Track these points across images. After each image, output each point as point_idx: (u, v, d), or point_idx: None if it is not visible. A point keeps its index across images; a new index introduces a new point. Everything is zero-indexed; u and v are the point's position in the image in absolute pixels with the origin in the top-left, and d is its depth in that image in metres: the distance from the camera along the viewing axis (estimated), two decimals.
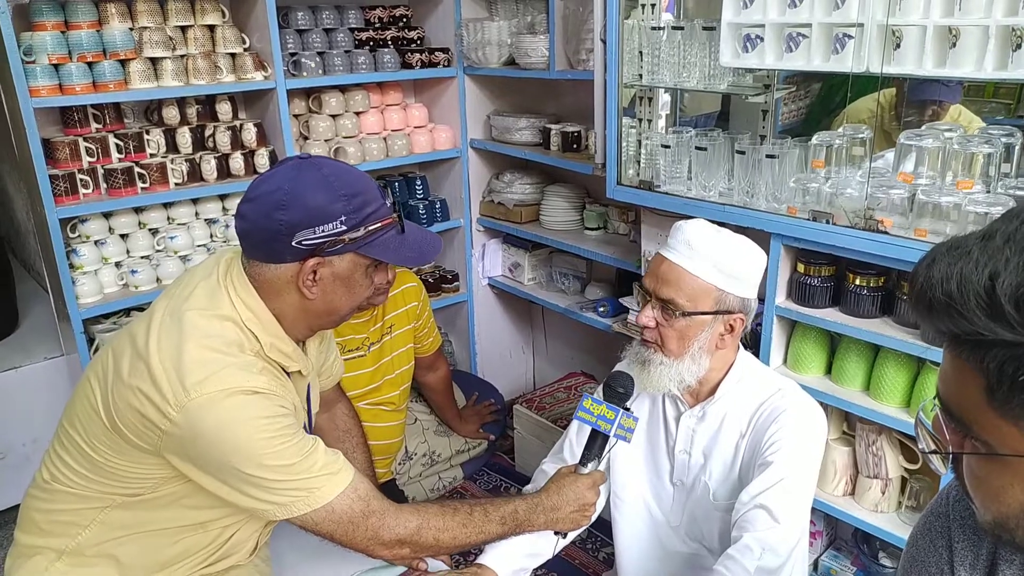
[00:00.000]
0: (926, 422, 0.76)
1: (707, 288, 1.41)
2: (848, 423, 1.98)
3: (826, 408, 1.90)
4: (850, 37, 1.62)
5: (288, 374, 1.37)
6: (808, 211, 1.79)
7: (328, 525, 1.29)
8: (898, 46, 1.57)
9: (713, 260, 1.41)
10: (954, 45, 1.50)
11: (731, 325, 1.45)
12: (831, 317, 1.83)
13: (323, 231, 1.23)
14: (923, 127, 1.72)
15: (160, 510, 1.34)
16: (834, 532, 2.19)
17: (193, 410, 1.19)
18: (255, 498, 1.25)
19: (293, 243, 1.23)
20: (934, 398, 0.74)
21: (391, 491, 2.32)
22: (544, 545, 1.53)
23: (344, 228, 1.24)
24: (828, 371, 1.94)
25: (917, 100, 1.91)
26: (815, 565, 2.12)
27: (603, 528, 1.69)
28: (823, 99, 2.18)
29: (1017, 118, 1.74)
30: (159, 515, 1.35)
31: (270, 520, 1.39)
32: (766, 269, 1.54)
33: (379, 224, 1.28)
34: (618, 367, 1.67)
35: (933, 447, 0.74)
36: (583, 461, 1.48)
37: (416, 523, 1.35)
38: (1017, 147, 1.61)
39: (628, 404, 1.44)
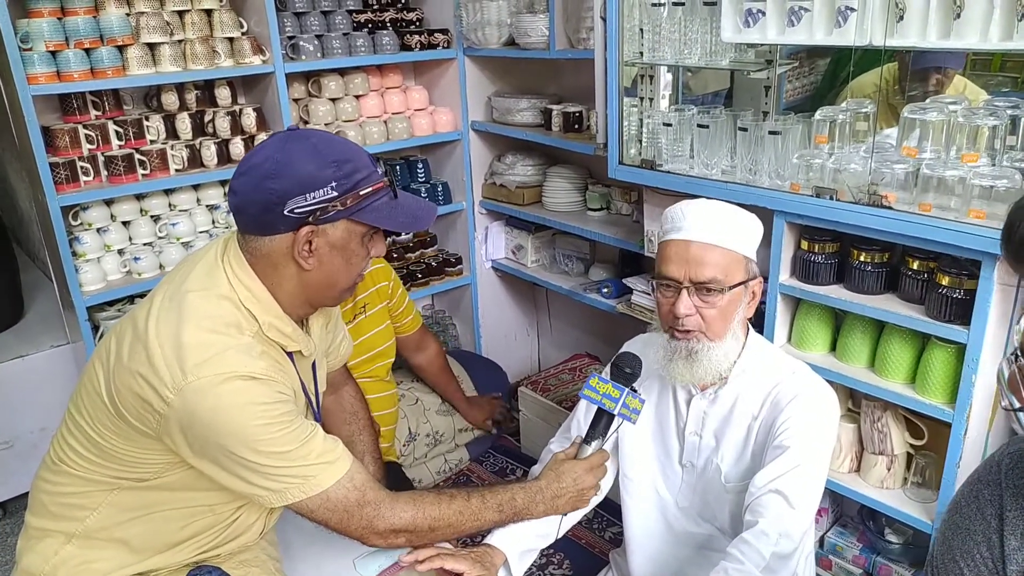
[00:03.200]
0: (1006, 378, 0.73)
1: (737, 258, 1.41)
2: (853, 400, 1.97)
3: (831, 385, 1.90)
4: (852, 10, 1.60)
5: (290, 355, 1.37)
6: (811, 187, 1.77)
7: (323, 513, 1.30)
8: (901, 18, 1.55)
9: (732, 229, 1.41)
10: (958, 16, 1.47)
11: (754, 292, 1.46)
12: (835, 294, 1.82)
13: (314, 198, 1.22)
14: (927, 100, 1.70)
15: (168, 493, 1.35)
16: (840, 509, 2.19)
17: (190, 394, 1.19)
18: (251, 483, 1.26)
19: (285, 212, 1.22)
20: (1012, 353, 0.71)
21: (396, 475, 2.33)
22: (551, 525, 1.53)
23: (335, 194, 1.23)
24: (833, 348, 1.93)
25: (920, 68, 1.88)
26: (821, 542, 2.13)
27: (609, 508, 1.70)
28: (830, 76, 2.16)
29: (1022, 91, 1.72)
30: (167, 497, 1.36)
31: (267, 506, 1.40)
32: (769, 245, 1.53)
33: (371, 189, 1.27)
34: (628, 344, 1.66)
35: (1019, 404, 0.71)
36: (587, 439, 1.48)
37: (411, 513, 1.35)
38: (1023, 119, 1.59)
39: (635, 385, 1.43)
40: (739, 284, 1.42)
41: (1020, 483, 0.86)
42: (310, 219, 1.24)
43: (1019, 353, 0.70)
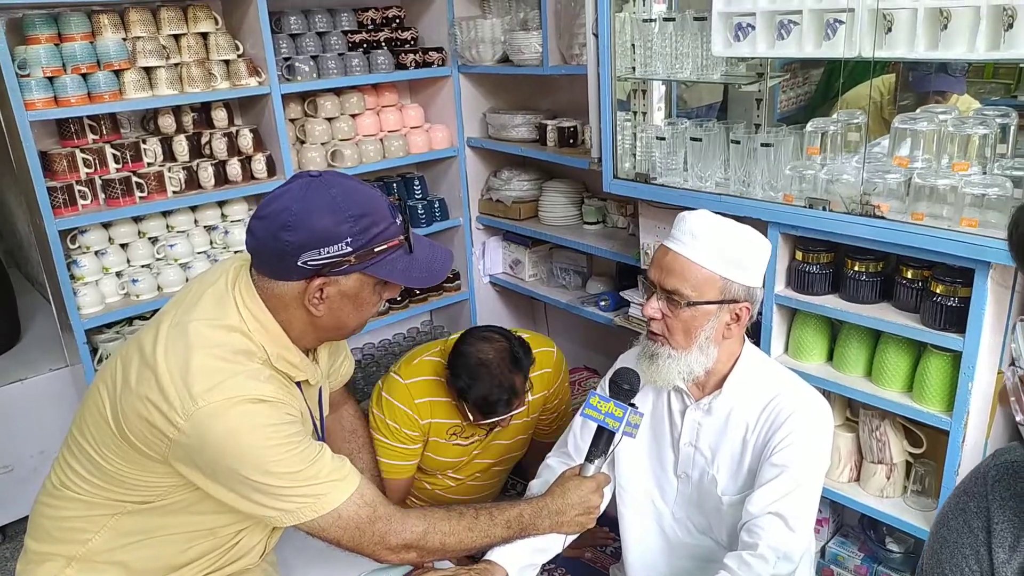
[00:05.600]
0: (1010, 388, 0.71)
1: (712, 277, 1.41)
2: (851, 409, 1.97)
3: (829, 395, 1.91)
4: (841, 22, 1.61)
5: (297, 383, 1.37)
6: (804, 198, 1.78)
7: (335, 531, 1.30)
8: (889, 30, 1.56)
9: (717, 249, 1.41)
10: (945, 27, 1.49)
11: (737, 314, 1.44)
12: (831, 304, 1.83)
13: (328, 252, 1.23)
14: (918, 110, 1.71)
15: (170, 516, 1.35)
16: (840, 519, 2.19)
17: (200, 419, 1.20)
18: (262, 505, 1.26)
19: (299, 263, 1.24)
20: (1012, 364, 0.70)
21: None
22: (552, 539, 1.53)
23: (350, 250, 1.24)
24: (830, 358, 1.94)
25: (921, 91, 1.91)
26: (822, 552, 2.12)
27: (609, 523, 1.70)
28: (824, 87, 2.18)
29: (1011, 98, 1.73)
30: (169, 521, 1.36)
31: (277, 526, 1.40)
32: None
33: (386, 246, 1.27)
34: (623, 358, 1.67)
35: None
36: (589, 458, 1.47)
37: (422, 528, 1.36)
38: (1012, 127, 1.60)
39: (634, 400, 1.43)
40: (708, 303, 1.41)
41: (1007, 495, 0.86)
42: (323, 271, 1.25)
43: (1015, 363, 0.70)
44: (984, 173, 1.58)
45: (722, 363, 1.49)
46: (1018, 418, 0.71)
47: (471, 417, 1.86)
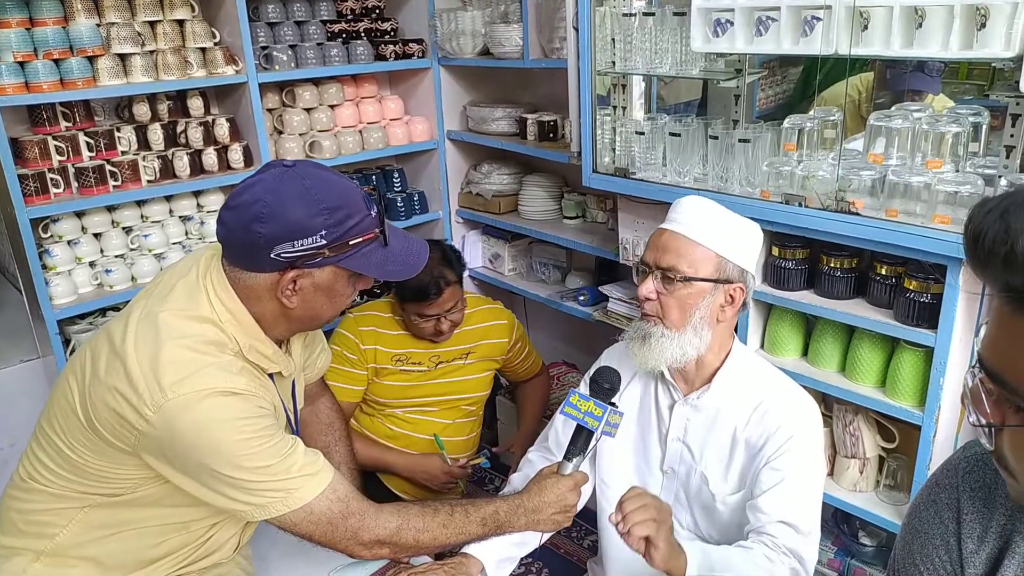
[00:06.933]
0: (969, 392, 0.71)
1: (708, 255, 1.43)
2: (825, 404, 1.99)
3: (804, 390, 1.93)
4: (818, 19, 1.62)
5: (270, 375, 1.36)
6: (781, 194, 1.79)
7: (307, 526, 1.29)
8: (866, 27, 1.58)
9: (713, 228, 1.44)
10: (920, 25, 1.50)
11: (731, 295, 1.46)
12: (806, 299, 1.85)
13: (302, 245, 1.22)
14: (893, 108, 1.73)
15: (141, 509, 1.34)
16: None
17: (170, 411, 1.18)
18: (232, 499, 1.25)
19: (272, 255, 1.22)
20: (972, 366, 0.70)
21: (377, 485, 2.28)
22: (529, 534, 1.53)
23: (324, 242, 1.23)
24: (804, 353, 1.96)
25: (896, 91, 1.93)
26: None
27: (587, 517, 1.70)
28: (803, 85, 2.19)
29: (984, 98, 1.75)
30: (140, 514, 1.34)
31: (249, 520, 1.39)
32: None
33: (361, 239, 1.26)
34: (607, 353, 1.67)
35: (985, 421, 0.69)
36: (568, 456, 1.46)
37: (396, 524, 1.35)
38: (984, 126, 1.62)
39: (614, 399, 1.43)
40: (704, 280, 1.43)
41: (977, 486, 0.87)
42: (297, 263, 1.24)
43: (979, 366, 0.69)
44: (957, 171, 1.60)
45: (713, 354, 1.50)
46: (971, 419, 0.71)
47: (413, 319, 2.12)
